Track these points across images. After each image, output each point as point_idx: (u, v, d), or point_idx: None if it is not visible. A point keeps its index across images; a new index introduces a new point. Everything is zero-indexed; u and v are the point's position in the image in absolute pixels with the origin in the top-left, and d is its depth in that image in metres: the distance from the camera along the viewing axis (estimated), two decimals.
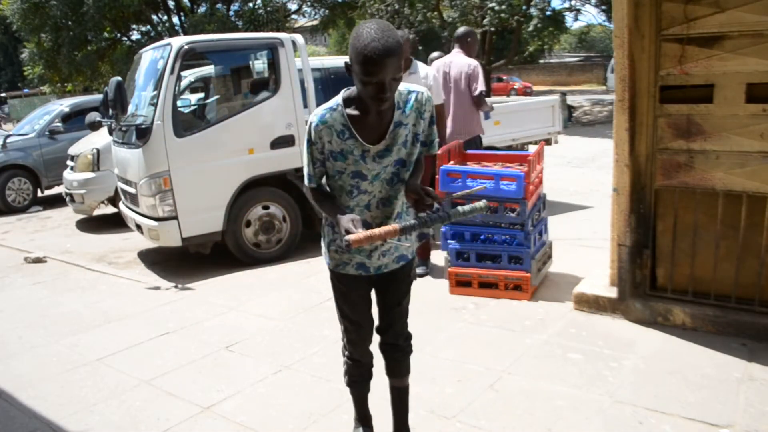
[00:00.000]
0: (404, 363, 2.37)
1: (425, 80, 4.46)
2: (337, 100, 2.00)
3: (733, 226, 3.27)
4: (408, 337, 2.36)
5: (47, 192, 10.24)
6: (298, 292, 4.63)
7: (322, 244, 2.28)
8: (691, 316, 3.39)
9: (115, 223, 7.63)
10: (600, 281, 3.83)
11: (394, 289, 2.27)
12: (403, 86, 2.01)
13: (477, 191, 2.21)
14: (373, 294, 2.33)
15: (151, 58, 5.79)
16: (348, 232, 1.83)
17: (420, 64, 4.63)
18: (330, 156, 2.02)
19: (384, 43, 1.75)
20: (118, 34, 18.01)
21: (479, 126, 5.23)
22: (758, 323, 3.21)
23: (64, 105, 10.56)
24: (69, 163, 8.29)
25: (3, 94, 38.17)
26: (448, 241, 4.28)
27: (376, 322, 2.35)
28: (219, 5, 17.87)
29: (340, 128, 1.97)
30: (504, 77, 30.43)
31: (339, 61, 8.82)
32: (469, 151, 4.85)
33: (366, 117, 1.97)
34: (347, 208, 2.08)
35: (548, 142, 7.25)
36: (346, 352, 2.35)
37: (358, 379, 2.39)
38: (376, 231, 1.85)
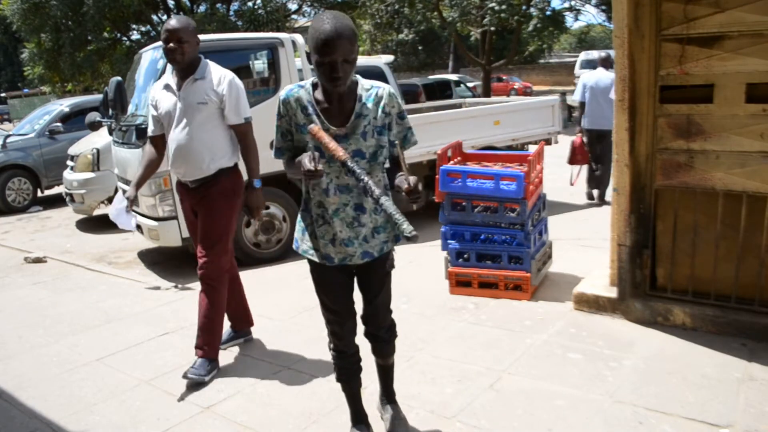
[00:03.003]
0: (387, 348, 2.50)
1: (218, 88, 3.21)
2: (308, 81, 2.20)
3: (733, 226, 3.27)
4: (390, 327, 2.48)
5: (47, 192, 10.24)
6: (298, 292, 4.63)
7: (296, 230, 2.38)
8: (691, 316, 3.39)
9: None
10: (600, 281, 3.83)
11: (368, 283, 2.36)
12: (367, 82, 2.19)
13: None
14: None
15: (151, 58, 5.79)
16: (302, 165, 2.00)
17: (215, 69, 3.30)
18: (296, 128, 2.19)
19: (334, 26, 1.94)
20: (118, 34, 18.02)
21: None
22: (758, 323, 3.21)
23: (64, 105, 10.56)
24: (69, 163, 8.30)
25: (3, 94, 38.17)
26: (448, 241, 4.28)
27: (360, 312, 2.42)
28: (219, 5, 17.88)
29: (305, 104, 2.15)
30: (504, 77, 30.41)
31: None
32: (469, 152, 4.85)
33: (329, 103, 2.14)
34: (307, 190, 2.25)
35: (548, 142, 7.24)
36: (331, 345, 2.41)
37: (345, 372, 2.44)
38: (332, 144, 2.02)
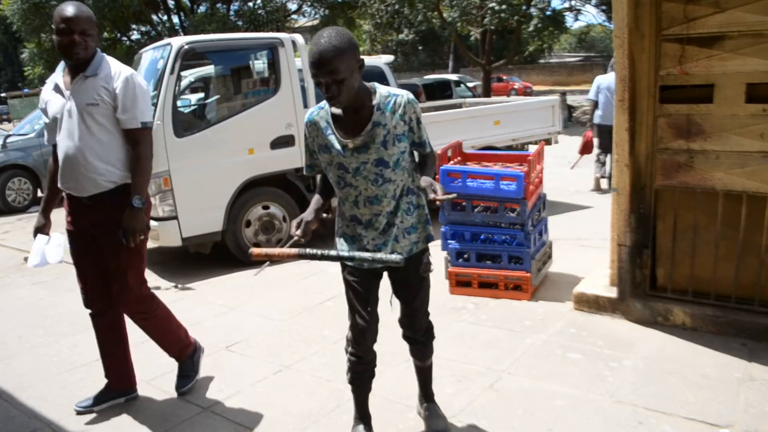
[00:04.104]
0: (424, 351, 2.53)
1: (111, 85, 2.74)
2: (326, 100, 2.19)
3: (733, 226, 3.27)
4: (427, 330, 2.50)
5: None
6: (298, 292, 4.63)
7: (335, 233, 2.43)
8: (691, 316, 3.39)
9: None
10: (600, 281, 3.83)
11: (403, 286, 2.38)
12: (385, 90, 2.19)
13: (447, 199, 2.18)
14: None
15: (151, 58, 5.79)
16: (294, 230, 2.14)
17: (112, 64, 2.81)
18: (319, 150, 2.25)
19: (320, 47, 1.96)
20: (118, 34, 18.02)
21: None
22: (758, 323, 3.21)
23: None
24: None
25: (3, 94, 38.19)
26: (448, 241, 4.28)
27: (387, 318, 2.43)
28: (219, 5, 17.88)
29: (324, 124, 2.21)
30: (504, 77, 30.41)
31: None
32: (469, 152, 4.85)
33: (346, 116, 2.17)
34: (340, 200, 2.31)
35: (548, 142, 7.25)
36: (349, 348, 2.39)
37: (359, 377, 2.42)
38: (277, 251, 2.07)
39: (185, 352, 3.18)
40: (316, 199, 2.34)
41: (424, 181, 2.13)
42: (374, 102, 2.15)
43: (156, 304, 3.03)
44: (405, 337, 2.49)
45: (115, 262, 2.82)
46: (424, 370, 2.61)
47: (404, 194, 2.26)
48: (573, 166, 7.87)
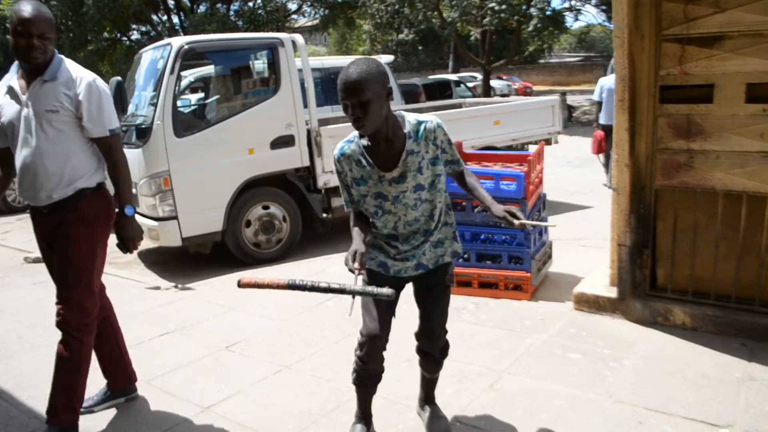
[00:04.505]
0: (436, 368, 2.54)
1: (73, 92, 2.55)
2: (355, 132, 2.22)
3: (733, 226, 3.27)
4: (444, 349, 2.49)
5: None
6: (298, 292, 4.62)
7: None
8: (691, 316, 3.39)
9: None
10: (600, 281, 3.83)
11: (425, 297, 2.41)
12: (413, 117, 2.23)
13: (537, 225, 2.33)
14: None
15: (151, 58, 5.79)
16: (346, 261, 2.05)
17: (72, 68, 2.62)
18: (353, 183, 2.26)
19: (347, 72, 2.05)
20: (118, 34, 18.03)
21: None
22: (758, 323, 3.21)
23: None
24: None
25: None
26: None
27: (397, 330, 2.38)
28: (219, 5, 17.88)
29: (358, 158, 2.22)
30: (504, 77, 30.43)
31: (339, 61, 8.84)
32: (469, 152, 4.85)
33: (378, 146, 2.19)
34: (376, 229, 2.31)
35: (548, 142, 7.26)
36: (358, 352, 2.37)
37: (363, 381, 2.42)
38: (267, 280, 2.05)
39: (64, 416, 2.68)
40: (357, 231, 2.23)
41: (497, 209, 2.26)
42: (405, 131, 2.19)
43: (88, 336, 2.76)
44: (419, 351, 2.49)
45: (63, 272, 2.65)
46: (431, 381, 2.61)
47: (441, 213, 2.33)
48: (606, 168, 7.80)
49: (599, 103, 7.75)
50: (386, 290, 1.99)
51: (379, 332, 2.27)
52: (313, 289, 2.01)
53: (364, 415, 2.53)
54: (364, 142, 2.21)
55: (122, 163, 2.72)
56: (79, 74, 2.59)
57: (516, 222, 2.22)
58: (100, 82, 2.64)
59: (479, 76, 24.39)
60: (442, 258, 2.37)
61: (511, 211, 2.25)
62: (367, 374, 2.39)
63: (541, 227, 2.33)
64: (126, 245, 2.74)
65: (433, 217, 2.30)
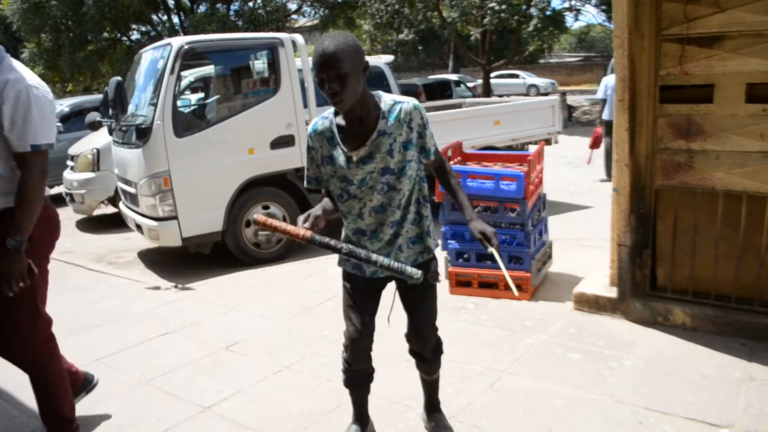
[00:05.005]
0: (431, 368, 2.47)
1: (2, 92, 2.25)
2: (330, 110, 2.16)
3: (733, 226, 3.27)
4: (436, 347, 2.42)
5: (47, 192, 10.21)
6: (298, 292, 4.63)
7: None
8: (691, 316, 3.39)
9: (115, 223, 7.64)
10: (600, 281, 3.83)
11: (409, 298, 2.32)
12: (390, 98, 2.12)
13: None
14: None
15: (151, 58, 5.79)
16: (302, 222, 2.00)
17: (11, 71, 2.31)
18: (322, 161, 2.17)
19: (324, 44, 1.94)
20: (118, 34, 18.03)
21: None
22: (758, 323, 3.21)
23: (64, 105, 10.55)
24: (69, 163, 8.30)
25: None
26: (448, 241, 4.28)
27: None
28: (219, 5, 17.88)
29: (330, 135, 2.14)
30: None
31: None
32: (469, 152, 4.85)
33: (350, 125, 2.10)
34: (343, 214, 2.23)
35: (548, 142, 7.25)
36: (344, 354, 2.36)
37: (351, 382, 2.41)
38: (284, 225, 1.96)
39: (63, 428, 2.65)
40: (325, 201, 2.22)
41: (474, 226, 2.19)
42: (381, 109, 2.09)
43: (52, 358, 2.64)
44: (411, 352, 2.44)
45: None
46: (431, 383, 2.55)
47: (410, 203, 2.20)
48: (588, 161, 8.52)
49: (603, 101, 8.10)
50: (415, 272, 1.93)
51: (358, 336, 2.25)
52: (336, 250, 1.95)
53: (360, 416, 2.52)
54: (339, 120, 2.12)
55: (32, 187, 2.32)
56: (13, 77, 2.27)
57: (488, 249, 2.17)
58: (38, 90, 2.32)
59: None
60: (422, 255, 2.27)
61: (487, 234, 2.17)
62: (355, 375, 2.37)
63: (499, 264, 2.25)
64: (2, 284, 2.29)
65: (400, 206, 2.17)
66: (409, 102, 2.11)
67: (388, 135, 2.09)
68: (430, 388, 2.56)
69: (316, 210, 2.10)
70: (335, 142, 2.12)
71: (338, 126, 2.12)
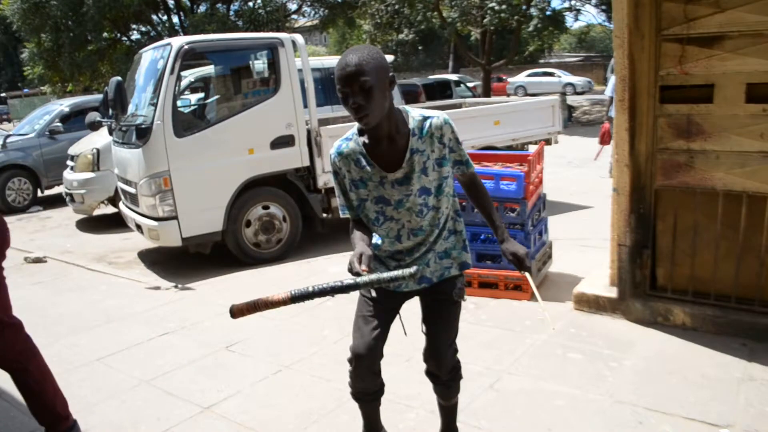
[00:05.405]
0: (448, 392, 2.30)
1: None
2: (353, 130, 2.04)
3: (733, 226, 3.27)
4: (453, 370, 2.25)
5: (47, 192, 10.24)
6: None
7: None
8: (691, 316, 3.39)
9: (115, 223, 7.64)
10: (600, 281, 3.83)
11: (431, 314, 2.18)
12: (418, 113, 2.01)
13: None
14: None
15: (151, 58, 5.79)
16: (351, 266, 1.81)
17: None
18: (352, 185, 2.04)
19: (346, 58, 1.83)
20: (118, 34, 18.02)
21: None
22: (758, 323, 3.21)
23: (64, 105, 10.56)
24: (69, 163, 8.30)
25: (3, 94, 38.19)
26: None
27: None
28: (219, 5, 17.88)
29: (357, 157, 2.00)
30: (504, 77, 30.44)
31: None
32: (469, 152, 4.85)
33: (379, 144, 1.98)
34: (379, 238, 2.09)
35: (548, 142, 7.25)
36: (350, 367, 2.18)
37: (360, 398, 2.25)
38: (263, 300, 1.76)
39: (59, 426, 2.65)
40: (360, 236, 2.01)
41: (508, 247, 2.07)
42: (409, 127, 1.97)
43: (33, 357, 2.64)
44: (428, 373, 2.26)
45: None
46: (448, 409, 2.37)
47: (447, 221, 2.10)
48: (596, 157, 8.74)
49: (611, 98, 8.20)
50: (407, 270, 1.75)
51: (363, 352, 2.08)
52: (320, 293, 1.74)
53: (370, 430, 2.37)
54: (364, 139, 1.99)
55: None
56: None
57: (521, 272, 2.05)
58: None
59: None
60: (449, 271, 2.14)
61: (519, 257, 2.04)
62: (362, 392, 2.21)
63: (534, 290, 2.17)
64: None
65: (438, 225, 2.07)
66: (439, 117, 2.01)
67: (421, 153, 1.98)
68: (448, 414, 2.38)
69: (365, 249, 1.88)
70: (365, 163, 1.99)
71: (365, 145, 1.99)
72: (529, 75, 30.06)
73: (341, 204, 2.11)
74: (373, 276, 1.76)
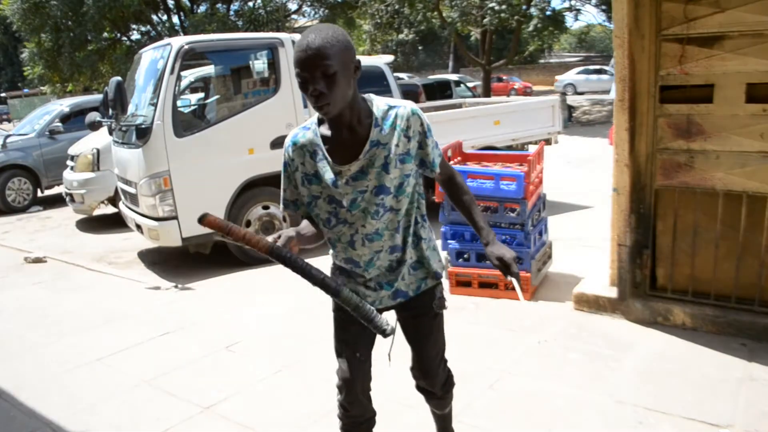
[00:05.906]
0: (441, 404, 2.21)
1: None
2: (313, 118, 1.86)
3: (733, 226, 3.27)
4: (444, 383, 2.14)
5: (47, 192, 10.24)
6: (298, 293, 4.62)
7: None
8: (691, 316, 3.39)
9: (115, 223, 7.63)
10: (600, 281, 3.83)
11: (413, 329, 2.02)
12: (383, 102, 1.79)
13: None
14: None
15: (151, 58, 5.79)
16: (273, 241, 1.68)
17: None
18: (304, 180, 1.84)
19: (306, 40, 1.63)
20: (118, 34, 18.01)
21: None
22: (758, 323, 3.21)
23: (64, 105, 10.56)
24: (69, 163, 8.30)
25: (3, 94, 38.18)
26: (448, 241, 4.28)
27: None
28: (219, 5, 17.87)
29: (313, 149, 1.81)
30: (504, 77, 30.41)
31: None
32: (469, 152, 4.85)
33: (338, 135, 1.77)
34: (330, 242, 1.90)
35: (548, 142, 7.25)
36: (338, 396, 2.02)
37: (351, 427, 2.06)
38: (242, 231, 1.63)
39: None
40: (304, 224, 1.88)
41: (493, 251, 1.86)
42: (373, 116, 1.76)
43: None
44: (419, 388, 2.14)
45: None
46: (443, 417, 2.28)
47: (410, 224, 1.88)
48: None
49: None
50: (386, 325, 1.64)
51: (352, 376, 1.95)
52: (300, 270, 1.64)
53: None
54: (324, 130, 1.79)
55: None
56: None
57: (507, 278, 1.88)
58: None
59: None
60: (425, 282, 1.95)
61: (506, 261, 1.85)
62: (353, 422, 2.03)
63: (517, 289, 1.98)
64: None
65: (399, 229, 1.84)
66: (405, 106, 1.78)
67: (383, 146, 1.75)
68: (443, 422, 2.31)
69: (290, 231, 1.75)
70: (321, 156, 1.79)
71: (323, 137, 1.79)
72: (580, 72, 28.28)
73: (284, 198, 1.91)
74: (355, 299, 1.67)
